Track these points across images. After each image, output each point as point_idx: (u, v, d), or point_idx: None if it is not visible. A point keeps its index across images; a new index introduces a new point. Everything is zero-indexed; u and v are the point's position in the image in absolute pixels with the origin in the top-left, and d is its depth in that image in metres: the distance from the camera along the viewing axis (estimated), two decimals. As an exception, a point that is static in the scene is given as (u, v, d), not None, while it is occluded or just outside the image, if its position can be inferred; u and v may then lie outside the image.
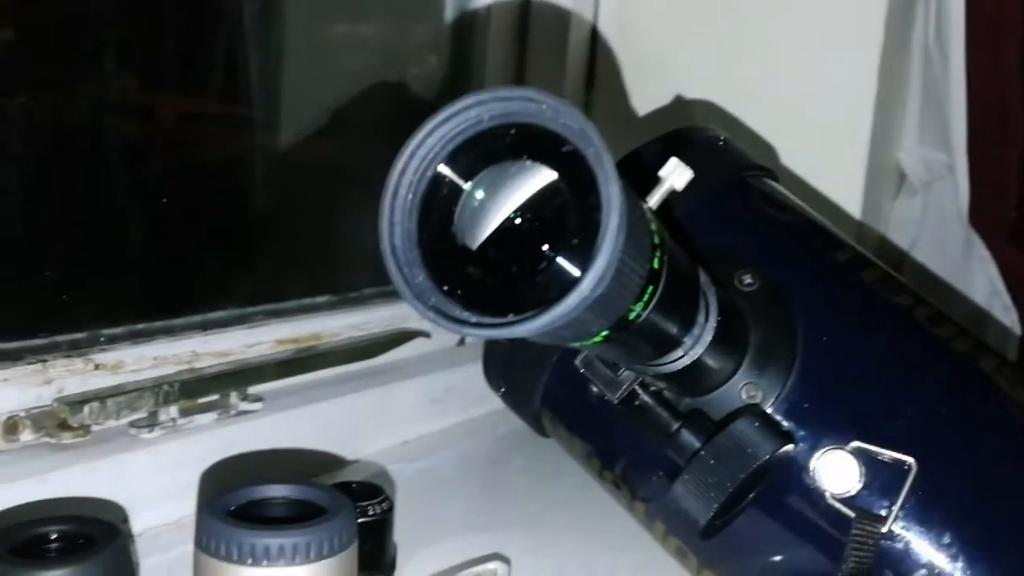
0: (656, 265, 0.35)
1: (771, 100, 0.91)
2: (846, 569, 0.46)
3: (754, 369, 0.50)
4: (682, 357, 0.45)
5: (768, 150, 0.88)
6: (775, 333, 0.51)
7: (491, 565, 0.62)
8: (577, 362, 0.47)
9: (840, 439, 0.49)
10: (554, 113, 0.30)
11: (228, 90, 0.78)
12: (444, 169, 0.32)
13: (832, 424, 0.49)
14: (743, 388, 0.50)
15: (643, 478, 0.54)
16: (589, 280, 0.28)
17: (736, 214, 0.56)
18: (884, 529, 0.47)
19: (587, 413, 0.56)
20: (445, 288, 0.31)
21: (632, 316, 0.35)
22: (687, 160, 0.56)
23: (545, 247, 0.31)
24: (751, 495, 0.46)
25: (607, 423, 0.55)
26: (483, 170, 0.32)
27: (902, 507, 0.47)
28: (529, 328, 0.29)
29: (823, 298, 0.53)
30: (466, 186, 0.32)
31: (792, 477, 0.49)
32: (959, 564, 0.47)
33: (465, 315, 0.30)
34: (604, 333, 0.35)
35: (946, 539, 0.47)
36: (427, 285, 0.31)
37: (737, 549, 0.52)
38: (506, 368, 0.61)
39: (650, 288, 0.35)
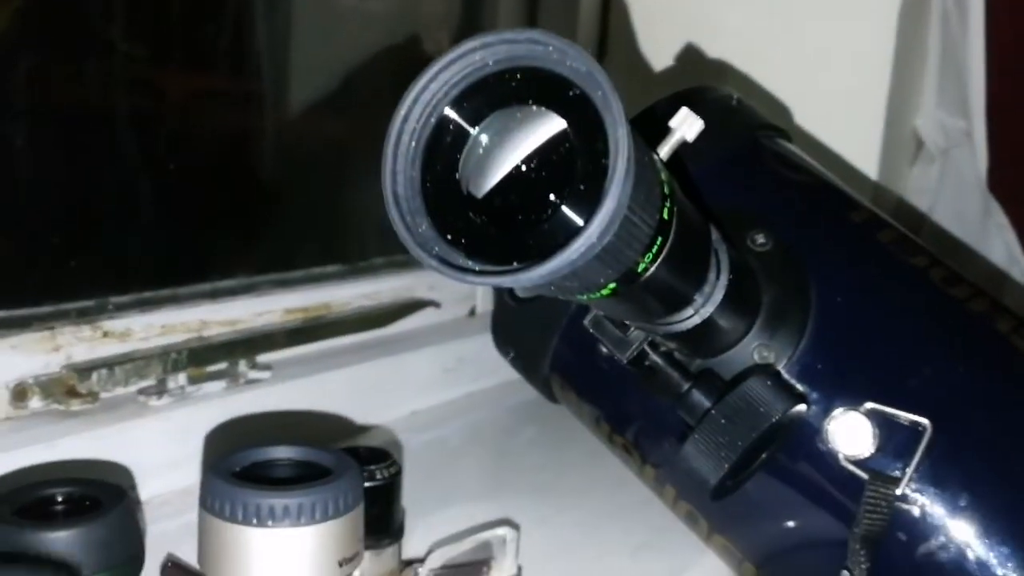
0: (665, 216, 0.34)
1: (787, 63, 0.89)
2: (858, 532, 0.45)
3: (766, 330, 0.49)
4: (692, 316, 0.44)
5: (782, 111, 0.87)
6: (788, 294, 0.50)
7: (500, 531, 0.62)
8: (586, 322, 0.47)
9: (853, 401, 0.48)
10: (560, 55, 0.29)
11: (237, 62, 0.78)
12: (450, 112, 0.31)
13: (845, 386, 0.49)
14: (755, 349, 0.49)
15: (653, 442, 0.54)
16: (596, 225, 0.28)
17: (749, 174, 0.55)
18: (898, 491, 0.46)
19: (597, 377, 0.55)
20: (449, 237, 0.31)
21: (640, 268, 0.34)
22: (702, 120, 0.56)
23: (551, 195, 0.30)
24: (763, 456, 0.45)
25: (617, 386, 0.55)
26: (488, 116, 0.31)
27: (916, 469, 0.46)
28: (534, 275, 0.28)
29: (837, 259, 0.52)
30: (472, 132, 0.31)
31: (805, 439, 0.48)
32: (975, 527, 0.46)
33: (469, 264, 0.30)
34: (612, 286, 0.34)
35: (962, 501, 0.46)
36: (430, 234, 0.30)
37: (748, 512, 0.51)
38: (515, 333, 0.60)
39: (659, 239, 0.34)
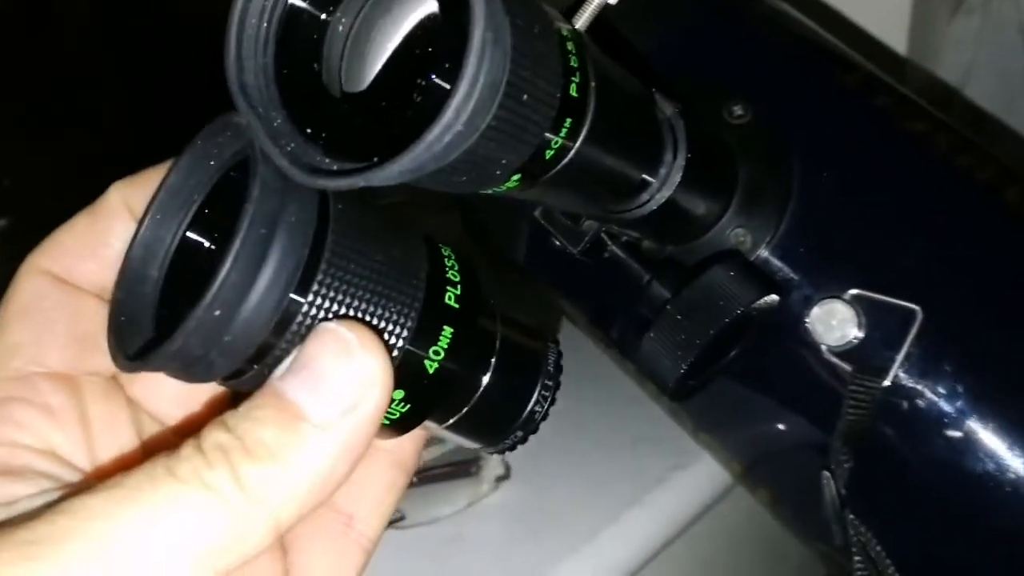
0: (574, 92, 0.29)
1: None
2: (842, 426, 0.42)
3: (743, 211, 0.45)
4: (648, 201, 0.40)
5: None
6: (767, 170, 0.45)
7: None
8: (536, 213, 0.42)
9: (839, 287, 0.44)
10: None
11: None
12: (296, 0, 0.27)
13: (830, 270, 0.44)
14: (731, 233, 0.45)
15: (626, 336, 0.50)
16: (451, 110, 0.23)
17: (726, 38, 0.49)
18: (885, 383, 0.42)
19: (569, 270, 0.52)
20: (308, 131, 0.27)
21: (549, 155, 0.30)
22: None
23: (418, 79, 0.26)
24: (732, 353, 0.41)
25: (588, 279, 0.51)
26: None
27: (906, 359, 0.42)
28: (390, 172, 0.24)
29: (822, 129, 0.46)
30: (328, 17, 0.27)
31: (785, 331, 0.44)
32: (972, 420, 0.42)
33: (318, 162, 0.26)
34: (516, 177, 0.30)
35: (957, 392, 0.42)
36: (286, 129, 0.26)
37: (727, 413, 0.48)
38: (487, 223, 0.56)
39: (568, 120, 0.29)
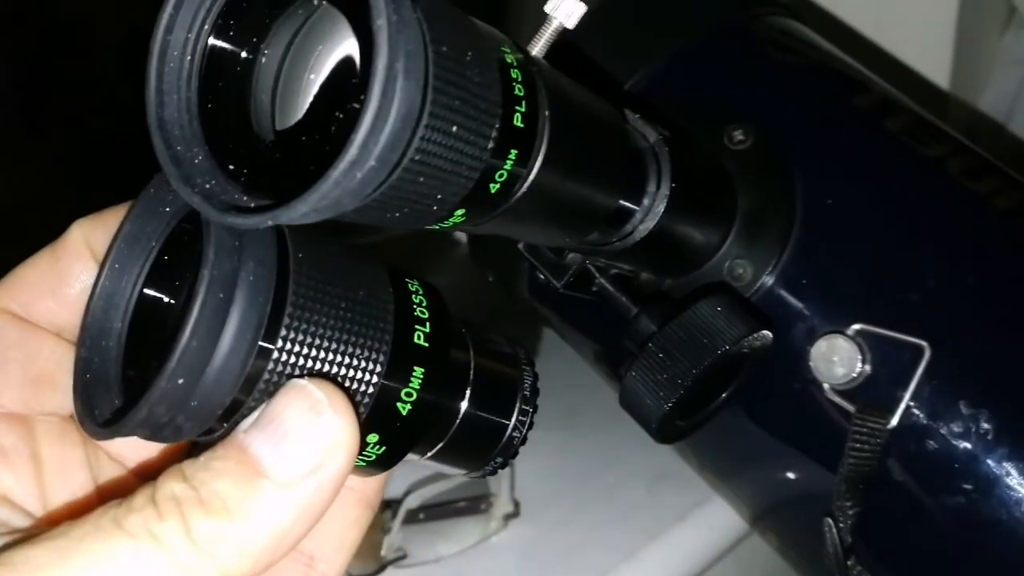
0: (519, 122, 0.28)
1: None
2: (843, 472, 0.39)
3: (743, 241, 0.43)
4: (632, 232, 0.38)
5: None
6: (769, 198, 0.43)
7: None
8: (520, 245, 0.41)
9: (844, 320, 0.41)
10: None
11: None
12: (216, 41, 0.26)
13: (833, 303, 0.42)
14: (731, 264, 0.43)
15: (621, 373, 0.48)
16: (357, 144, 0.22)
17: (731, 60, 0.47)
18: (892, 423, 0.39)
19: (564, 304, 0.50)
20: (231, 168, 0.26)
21: (495, 188, 0.28)
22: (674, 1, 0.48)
23: (336, 111, 0.25)
24: (724, 394, 0.39)
25: (581, 314, 0.49)
26: (272, 27, 0.26)
27: (914, 398, 0.39)
28: (297, 211, 0.23)
29: (828, 154, 0.44)
30: (253, 55, 0.26)
31: (786, 367, 0.42)
32: (989, 463, 0.39)
33: (236, 200, 0.24)
34: (460, 212, 0.28)
35: (974, 430, 0.39)
36: (206, 166, 0.25)
37: (727, 451, 0.45)
38: (492, 251, 0.55)
39: (514, 151, 0.28)
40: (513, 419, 0.33)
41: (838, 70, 0.48)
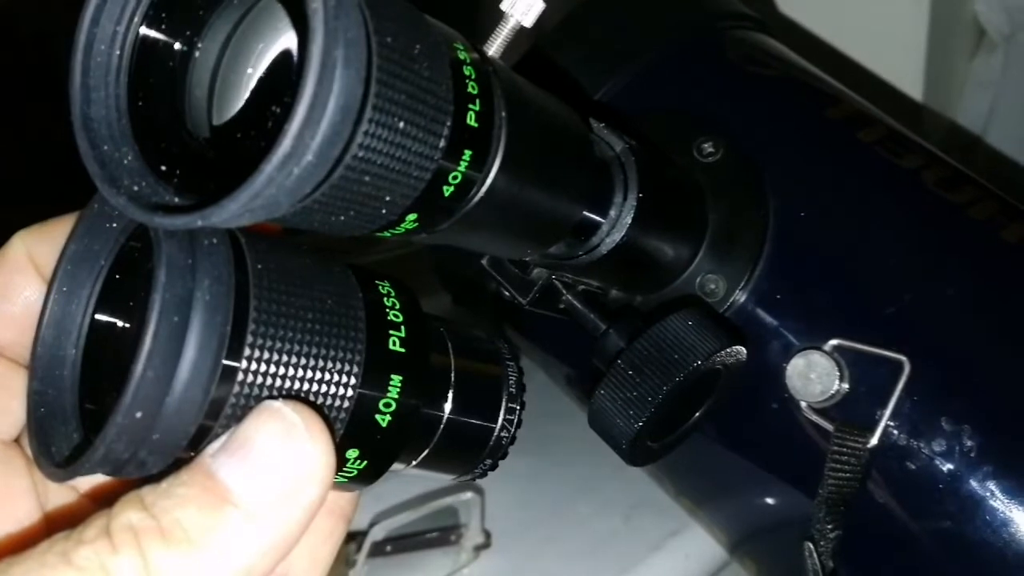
0: (472, 121, 0.26)
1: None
2: (823, 493, 0.37)
3: (715, 255, 0.41)
4: (598, 245, 0.36)
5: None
6: (740, 211, 0.42)
7: (465, 495, 0.56)
8: (484, 261, 0.39)
9: (819, 336, 0.40)
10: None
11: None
12: (150, 31, 0.24)
13: (808, 317, 0.40)
14: (702, 279, 0.41)
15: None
16: (291, 135, 0.20)
17: (701, 72, 0.46)
18: (872, 442, 0.38)
19: (530, 322, 0.48)
20: (162, 168, 0.24)
21: (448, 191, 0.27)
22: (645, 11, 0.47)
23: (273, 106, 0.23)
24: (697, 413, 0.38)
25: (548, 332, 0.47)
26: (208, 21, 0.24)
27: (894, 415, 0.38)
28: (228, 211, 0.21)
29: (801, 166, 0.43)
30: (187, 47, 0.25)
31: (761, 385, 0.40)
32: (973, 481, 0.38)
33: (165, 200, 0.23)
34: (412, 217, 0.27)
35: (957, 447, 0.38)
36: (136, 166, 0.24)
37: (702, 474, 0.44)
38: (454, 269, 0.53)
39: (467, 152, 0.26)
40: (500, 419, 0.31)
41: (809, 83, 0.47)
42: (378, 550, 0.53)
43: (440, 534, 0.57)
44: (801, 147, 0.44)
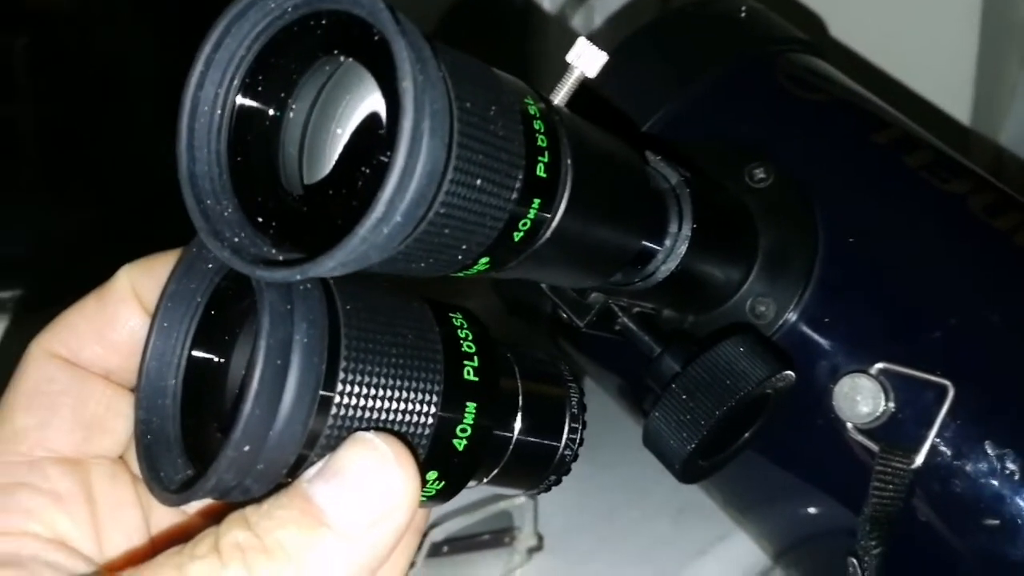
0: (542, 172, 0.28)
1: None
2: (867, 511, 0.39)
3: (765, 279, 0.43)
4: (654, 273, 0.38)
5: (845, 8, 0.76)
6: (790, 236, 0.43)
7: (518, 499, 0.58)
8: (543, 285, 0.41)
9: (867, 359, 0.41)
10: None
11: None
12: (244, 100, 0.26)
13: (856, 341, 0.42)
14: (753, 302, 0.43)
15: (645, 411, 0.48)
16: (383, 202, 0.22)
17: (751, 98, 0.48)
18: (916, 463, 0.39)
19: (588, 342, 0.50)
20: (259, 220, 0.26)
21: (518, 236, 0.29)
22: (692, 39, 0.49)
23: (363, 167, 0.25)
24: (747, 434, 0.39)
25: (605, 353, 0.49)
26: (299, 80, 0.27)
27: (939, 437, 0.39)
28: (324, 266, 0.23)
29: (849, 191, 0.44)
30: (280, 112, 0.27)
31: (808, 406, 0.42)
32: (1016, 504, 0.39)
33: (263, 253, 0.25)
34: (484, 261, 0.29)
35: (1000, 470, 0.39)
36: (235, 218, 0.26)
37: (751, 489, 0.45)
38: (514, 288, 0.55)
39: (536, 201, 0.28)
40: (564, 438, 0.34)
41: (859, 106, 0.48)
42: (436, 551, 0.56)
43: (494, 536, 0.59)
44: (848, 173, 0.45)
